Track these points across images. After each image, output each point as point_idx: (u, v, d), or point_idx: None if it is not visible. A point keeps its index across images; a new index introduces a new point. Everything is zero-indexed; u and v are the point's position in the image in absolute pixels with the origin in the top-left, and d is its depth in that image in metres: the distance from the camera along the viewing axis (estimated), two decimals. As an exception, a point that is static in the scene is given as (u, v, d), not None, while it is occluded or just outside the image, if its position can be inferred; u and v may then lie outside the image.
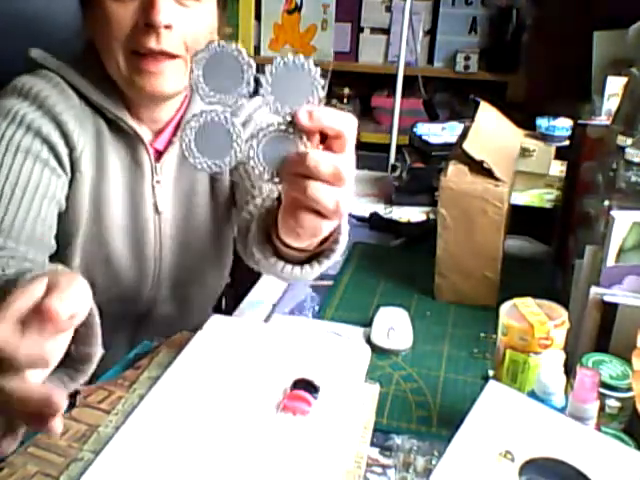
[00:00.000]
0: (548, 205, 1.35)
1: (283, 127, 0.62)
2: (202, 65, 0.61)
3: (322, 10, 2.62)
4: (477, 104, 1.20)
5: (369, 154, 2.46)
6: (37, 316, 0.49)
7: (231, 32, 2.66)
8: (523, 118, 1.32)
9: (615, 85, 1.27)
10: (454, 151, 1.06)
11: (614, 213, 0.79)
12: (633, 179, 0.84)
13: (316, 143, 0.63)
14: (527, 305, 0.78)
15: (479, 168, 0.99)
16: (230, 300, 1.30)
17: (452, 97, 2.60)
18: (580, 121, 1.11)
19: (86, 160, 0.91)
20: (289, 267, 0.80)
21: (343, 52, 2.65)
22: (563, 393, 0.69)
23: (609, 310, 0.80)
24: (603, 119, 1.22)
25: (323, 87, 0.62)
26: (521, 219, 1.19)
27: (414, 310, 1.03)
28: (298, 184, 0.62)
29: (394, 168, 1.48)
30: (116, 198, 0.94)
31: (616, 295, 0.81)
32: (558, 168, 1.41)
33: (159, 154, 0.96)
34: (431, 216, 1.35)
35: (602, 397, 0.70)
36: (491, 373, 0.85)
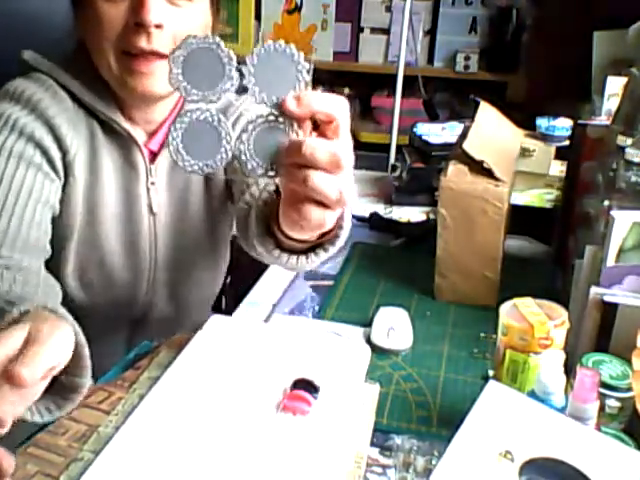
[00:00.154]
0: (548, 205, 1.35)
1: (272, 117, 0.59)
2: (180, 63, 0.59)
3: (322, 10, 2.63)
4: (477, 104, 1.20)
5: (369, 154, 2.46)
6: (4, 376, 0.50)
7: (231, 32, 2.66)
8: (523, 118, 1.32)
9: (615, 85, 1.27)
10: (454, 151, 1.06)
11: (614, 213, 0.79)
12: (633, 179, 0.84)
13: (308, 131, 0.61)
14: (527, 305, 0.78)
15: (479, 168, 0.99)
16: (230, 300, 1.30)
17: (452, 97, 2.61)
18: (580, 121, 1.11)
19: (79, 163, 0.90)
20: (294, 258, 0.79)
21: (343, 52, 2.65)
22: (563, 393, 0.69)
23: (609, 310, 0.80)
24: (603, 119, 1.22)
25: (308, 71, 0.59)
26: (521, 219, 1.19)
27: (414, 310, 1.03)
28: (296, 175, 0.59)
29: (394, 168, 1.48)
30: (110, 200, 0.94)
31: (616, 295, 0.81)
32: (558, 168, 1.41)
33: (153, 155, 0.95)
34: (431, 216, 1.35)
35: (602, 397, 0.70)
36: (491, 373, 0.85)
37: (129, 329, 1.05)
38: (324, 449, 0.67)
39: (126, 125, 0.92)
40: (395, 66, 2.06)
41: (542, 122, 1.43)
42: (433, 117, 2.07)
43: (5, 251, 0.80)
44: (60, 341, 0.55)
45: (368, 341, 0.94)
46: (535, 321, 0.75)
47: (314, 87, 0.60)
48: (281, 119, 0.59)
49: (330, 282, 1.12)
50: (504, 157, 1.06)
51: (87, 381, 0.65)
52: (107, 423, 0.72)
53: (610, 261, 0.80)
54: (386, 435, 0.76)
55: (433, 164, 1.39)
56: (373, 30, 2.63)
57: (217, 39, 0.59)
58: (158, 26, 0.83)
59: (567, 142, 1.36)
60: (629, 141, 0.87)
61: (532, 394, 0.70)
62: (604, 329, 0.81)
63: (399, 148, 1.86)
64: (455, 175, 1.00)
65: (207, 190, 1.01)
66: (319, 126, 0.60)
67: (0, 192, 0.83)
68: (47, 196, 0.87)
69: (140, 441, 0.68)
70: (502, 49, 2.50)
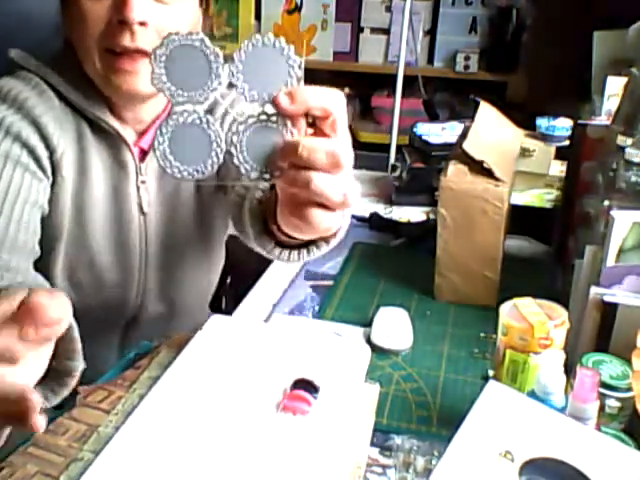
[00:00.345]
0: (548, 205, 1.35)
1: (264, 116, 0.56)
2: (163, 62, 0.55)
3: (322, 10, 2.63)
4: (477, 104, 1.20)
5: (369, 154, 2.46)
6: (17, 313, 0.48)
7: (231, 32, 2.66)
8: (523, 118, 1.32)
9: (615, 85, 1.27)
10: (454, 151, 1.06)
11: (614, 213, 0.79)
12: (633, 179, 0.84)
13: (303, 129, 0.57)
14: (527, 305, 0.78)
15: (479, 168, 0.99)
16: (230, 300, 1.30)
17: (452, 97, 2.61)
18: (580, 121, 1.11)
19: (67, 162, 0.89)
20: (295, 253, 0.77)
21: (343, 52, 2.65)
22: (563, 393, 0.69)
23: (609, 310, 0.80)
24: (603, 119, 1.22)
25: (300, 65, 0.56)
26: (521, 219, 1.19)
27: (414, 310, 1.03)
28: (296, 178, 0.56)
29: (394, 168, 1.48)
30: (99, 200, 0.93)
31: (616, 295, 0.81)
32: (558, 168, 1.41)
33: (144, 154, 0.94)
34: (431, 216, 1.35)
35: (602, 397, 0.70)
36: (491, 373, 0.85)
37: (121, 330, 1.04)
38: (324, 449, 0.67)
39: (115, 124, 0.90)
40: (395, 66, 2.06)
41: (542, 122, 1.43)
42: (433, 117, 2.07)
43: None
44: (61, 301, 0.53)
45: (368, 341, 0.94)
46: (535, 321, 0.75)
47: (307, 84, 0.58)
48: (274, 118, 0.56)
49: (330, 282, 1.12)
50: (504, 157, 1.06)
51: (80, 364, 0.64)
52: (107, 423, 0.72)
53: (610, 261, 0.80)
54: (386, 435, 0.76)
55: (433, 164, 1.39)
56: (373, 30, 2.63)
57: (201, 35, 0.55)
58: (142, 23, 0.82)
59: (567, 142, 1.36)
60: (629, 141, 0.87)
61: (532, 394, 0.70)
62: (604, 329, 0.81)
63: (399, 148, 1.86)
64: (455, 175, 1.00)
65: (199, 188, 1.00)
66: (314, 123, 0.57)
67: None
68: (35, 196, 0.86)
69: (140, 441, 0.68)
70: (502, 49, 2.50)
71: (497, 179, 0.98)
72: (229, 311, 1.07)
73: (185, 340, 0.83)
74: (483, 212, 0.99)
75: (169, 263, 1.02)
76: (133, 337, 1.02)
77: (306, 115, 0.57)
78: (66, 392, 0.65)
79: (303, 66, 0.57)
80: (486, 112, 1.19)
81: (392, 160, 1.95)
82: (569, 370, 0.74)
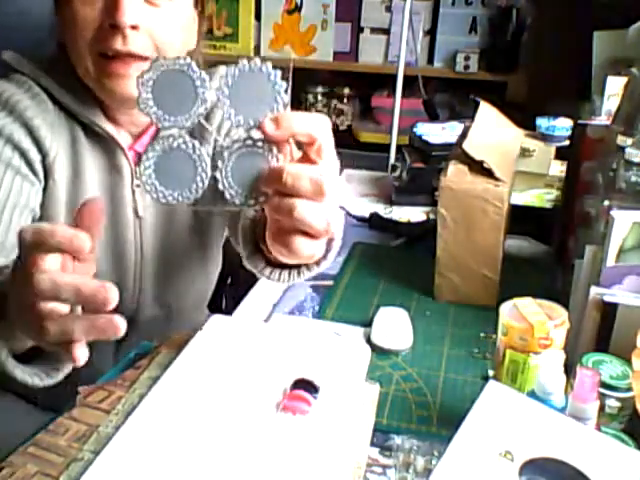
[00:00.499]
0: (548, 205, 1.35)
1: (250, 142, 0.56)
2: (150, 86, 0.55)
3: (322, 10, 2.62)
4: (477, 104, 1.20)
5: (369, 154, 2.47)
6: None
7: (231, 32, 2.66)
8: (523, 118, 1.32)
9: (615, 85, 1.27)
10: (454, 151, 1.06)
11: (614, 213, 0.79)
12: (633, 179, 0.84)
13: (289, 154, 0.58)
14: (527, 305, 0.78)
15: (479, 168, 0.99)
16: (230, 300, 1.30)
17: (452, 97, 2.60)
18: (580, 121, 1.11)
19: (60, 166, 0.89)
20: (285, 274, 0.78)
21: (343, 52, 2.65)
22: (563, 393, 0.69)
23: (609, 310, 0.80)
24: (603, 119, 1.22)
25: (286, 90, 0.56)
26: (521, 219, 1.19)
27: (414, 310, 1.03)
28: (280, 206, 0.57)
29: (394, 168, 1.48)
30: None
31: (616, 295, 0.81)
32: (558, 168, 1.41)
33: (139, 157, 0.94)
34: (431, 216, 1.35)
35: (602, 397, 0.70)
36: (491, 373, 0.85)
37: None
38: (324, 449, 0.67)
39: (109, 128, 0.90)
40: (395, 66, 2.06)
41: (542, 122, 1.43)
42: (433, 117, 2.07)
43: None
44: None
45: (368, 341, 0.94)
46: (535, 321, 0.75)
47: (297, 105, 0.58)
48: (259, 143, 0.56)
49: (330, 282, 1.12)
50: (504, 157, 1.06)
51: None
52: (107, 423, 0.72)
53: (610, 261, 0.80)
54: (386, 435, 0.76)
55: (433, 164, 1.39)
56: (373, 30, 2.63)
57: (188, 60, 0.56)
58: (134, 27, 0.81)
59: (567, 142, 1.36)
60: (629, 141, 0.87)
61: (532, 394, 0.70)
62: (604, 329, 0.81)
63: (399, 148, 1.86)
64: (455, 175, 1.00)
65: None
66: (301, 147, 0.58)
67: None
68: (26, 199, 0.86)
69: (140, 441, 0.68)
70: (502, 49, 2.50)
71: (497, 179, 0.98)
72: (229, 311, 1.07)
73: (185, 340, 0.83)
74: (483, 212, 0.99)
75: (165, 267, 1.01)
76: (129, 340, 1.02)
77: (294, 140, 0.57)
78: (67, 369, 0.67)
79: (290, 91, 0.57)
80: (486, 112, 1.19)
81: (392, 160, 1.94)
82: (569, 370, 0.74)
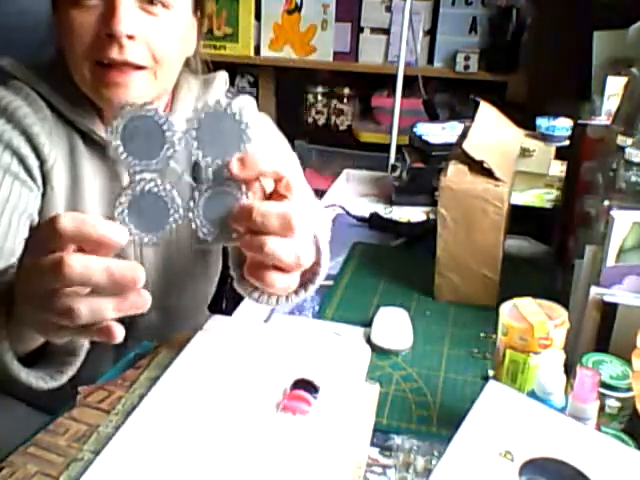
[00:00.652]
0: (548, 205, 1.35)
1: (219, 181, 0.58)
2: (120, 133, 0.57)
3: (322, 10, 2.62)
4: (477, 104, 1.20)
5: (369, 154, 2.47)
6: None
7: (231, 32, 2.66)
8: (523, 118, 1.32)
9: (615, 85, 1.27)
10: (454, 151, 1.06)
11: (614, 213, 0.79)
12: (633, 179, 0.84)
13: (260, 190, 0.60)
14: (527, 305, 0.78)
15: (479, 168, 0.99)
16: (230, 300, 1.29)
17: (452, 97, 2.60)
18: (580, 121, 1.11)
19: (59, 173, 0.89)
20: (273, 298, 0.78)
21: (343, 52, 2.65)
22: (563, 393, 0.69)
23: (609, 310, 0.80)
24: (603, 119, 1.22)
25: (252, 128, 0.58)
26: (521, 219, 1.19)
27: (414, 310, 1.03)
28: (251, 242, 0.59)
29: (394, 168, 1.48)
30: (93, 212, 0.92)
31: (616, 295, 0.81)
32: (558, 168, 1.41)
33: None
34: (431, 216, 1.35)
35: (602, 397, 0.70)
36: (491, 373, 0.85)
37: None
38: (324, 449, 0.67)
39: (106, 135, 0.90)
40: (395, 66, 2.06)
41: (542, 122, 1.43)
42: (433, 117, 2.07)
43: None
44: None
45: (368, 341, 0.94)
46: (535, 321, 0.75)
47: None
48: (229, 182, 0.58)
49: (330, 282, 1.11)
50: (504, 157, 1.06)
51: (85, 343, 0.67)
52: (107, 423, 0.72)
53: (610, 261, 0.80)
54: (386, 435, 0.76)
55: (433, 164, 1.39)
56: (373, 30, 2.62)
57: (154, 105, 0.57)
58: (130, 37, 0.81)
59: (567, 142, 1.36)
60: (629, 141, 0.87)
61: (532, 394, 0.70)
62: (604, 329, 0.81)
63: (399, 148, 1.86)
64: (455, 175, 1.00)
65: None
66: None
67: None
68: (24, 205, 0.85)
69: (140, 441, 0.68)
70: (502, 49, 2.50)
71: (497, 179, 0.98)
72: (229, 311, 1.07)
73: (185, 340, 0.83)
74: (483, 212, 0.99)
75: (165, 273, 1.01)
76: (129, 344, 1.02)
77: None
78: (71, 371, 0.69)
79: (256, 130, 0.58)
80: (486, 112, 1.19)
81: (392, 160, 1.94)
82: (569, 370, 0.74)
